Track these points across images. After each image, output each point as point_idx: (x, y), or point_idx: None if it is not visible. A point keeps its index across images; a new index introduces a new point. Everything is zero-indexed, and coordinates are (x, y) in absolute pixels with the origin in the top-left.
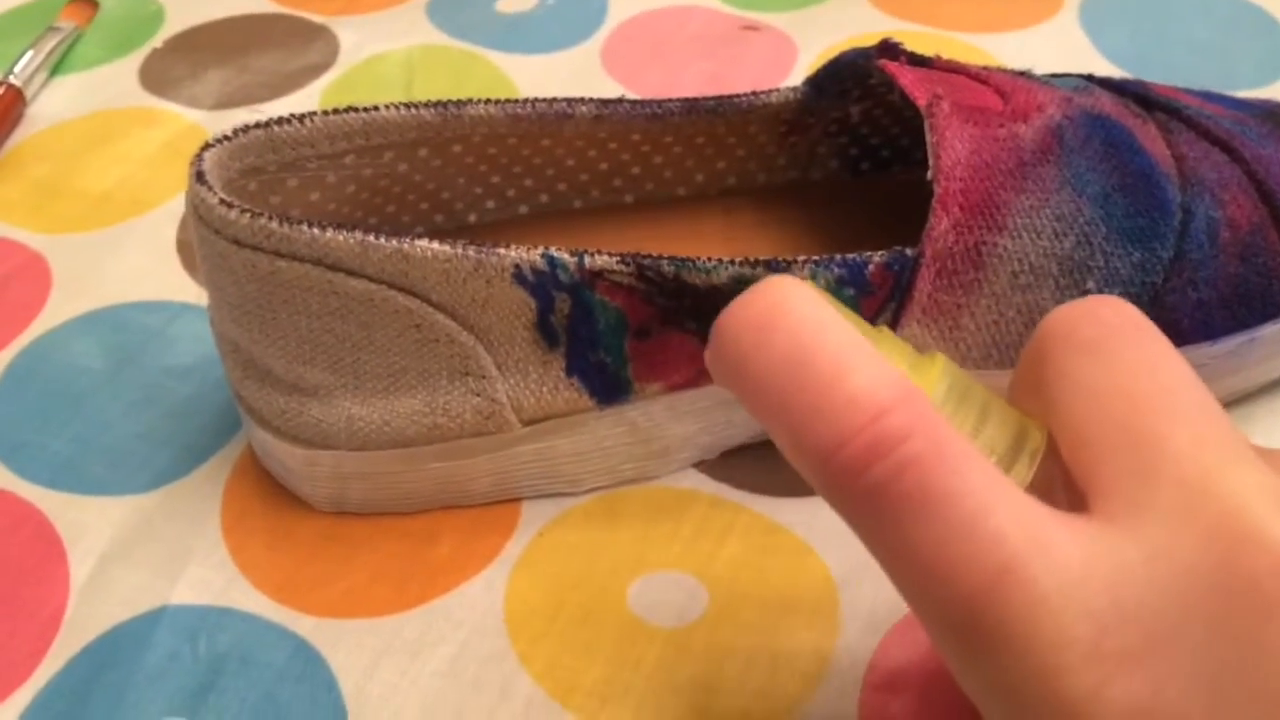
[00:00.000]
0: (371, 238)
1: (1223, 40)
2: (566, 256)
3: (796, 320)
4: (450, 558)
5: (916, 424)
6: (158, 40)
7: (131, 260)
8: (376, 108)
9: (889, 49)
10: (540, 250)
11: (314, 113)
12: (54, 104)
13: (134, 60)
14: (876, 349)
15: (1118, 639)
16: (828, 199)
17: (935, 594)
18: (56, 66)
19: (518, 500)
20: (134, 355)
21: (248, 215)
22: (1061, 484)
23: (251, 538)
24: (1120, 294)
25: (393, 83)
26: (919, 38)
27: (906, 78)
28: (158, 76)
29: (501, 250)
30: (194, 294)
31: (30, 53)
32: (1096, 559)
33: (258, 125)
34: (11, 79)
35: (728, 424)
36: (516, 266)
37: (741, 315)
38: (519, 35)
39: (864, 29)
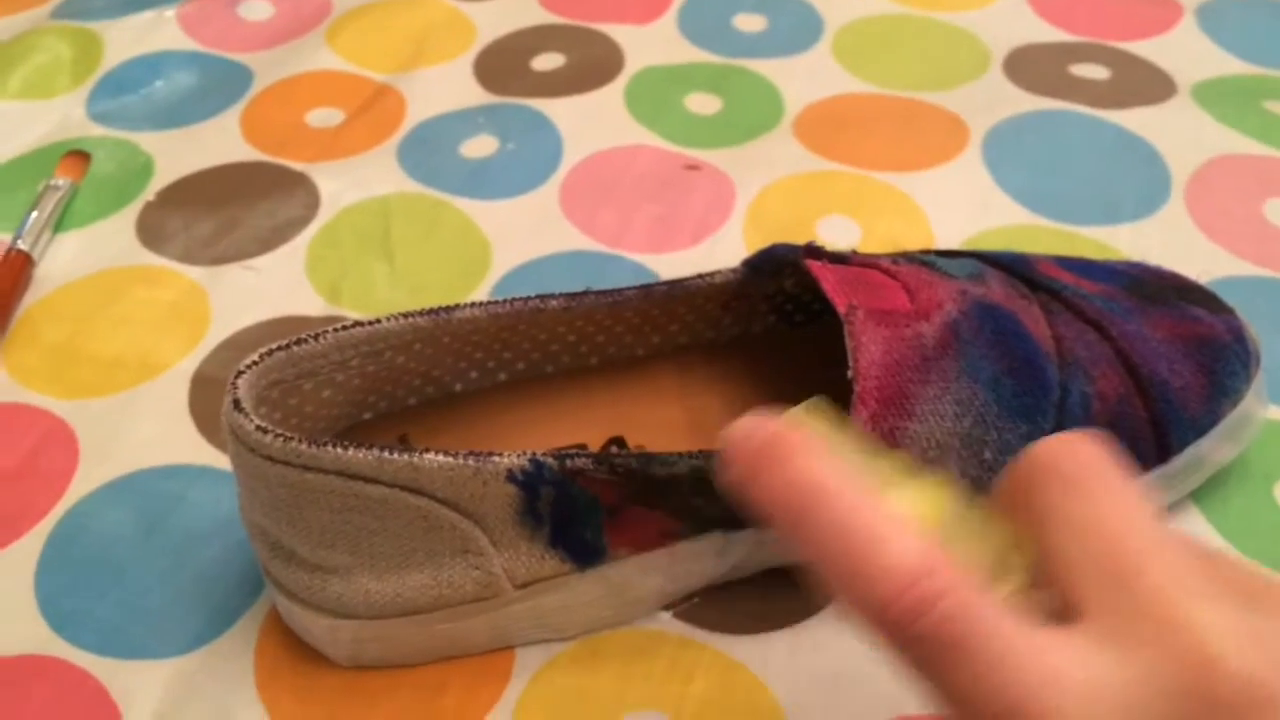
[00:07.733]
0: (387, 454)
1: (1108, 171)
2: (551, 461)
3: (834, 497)
4: (458, 706)
5: (948, 585)
6: (150, 193)
7: (147, 426)
8: (378, 320)
9: (814, 250)
10: (529, 456)
11: (326, 330)
12: (58, 264)
13: (129, 215)
14: (890, 474)
15: None
16: (768, 349)
17: (971, 716)
18: (57, 224)
19: (512, 648)
20: (159, 521)
21: (280, 440)
22: (1045, 588)
23: (283, 694)
24: (1012, 461)
25: (371, 233)
26: (843, 177)
27: (829, 281)
28: (153, 231)
29: (497, 458)
30: (209, 456)
31: (34, 214)
32: (1098, 681)
33: (280, 347)
34: (19, 244)
35: (688, 574)
36: (510, 470)
37: (785, 492)
38: (483, 181)
39: (794, 168)
